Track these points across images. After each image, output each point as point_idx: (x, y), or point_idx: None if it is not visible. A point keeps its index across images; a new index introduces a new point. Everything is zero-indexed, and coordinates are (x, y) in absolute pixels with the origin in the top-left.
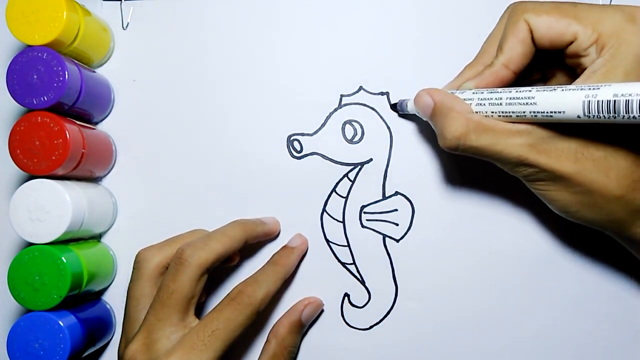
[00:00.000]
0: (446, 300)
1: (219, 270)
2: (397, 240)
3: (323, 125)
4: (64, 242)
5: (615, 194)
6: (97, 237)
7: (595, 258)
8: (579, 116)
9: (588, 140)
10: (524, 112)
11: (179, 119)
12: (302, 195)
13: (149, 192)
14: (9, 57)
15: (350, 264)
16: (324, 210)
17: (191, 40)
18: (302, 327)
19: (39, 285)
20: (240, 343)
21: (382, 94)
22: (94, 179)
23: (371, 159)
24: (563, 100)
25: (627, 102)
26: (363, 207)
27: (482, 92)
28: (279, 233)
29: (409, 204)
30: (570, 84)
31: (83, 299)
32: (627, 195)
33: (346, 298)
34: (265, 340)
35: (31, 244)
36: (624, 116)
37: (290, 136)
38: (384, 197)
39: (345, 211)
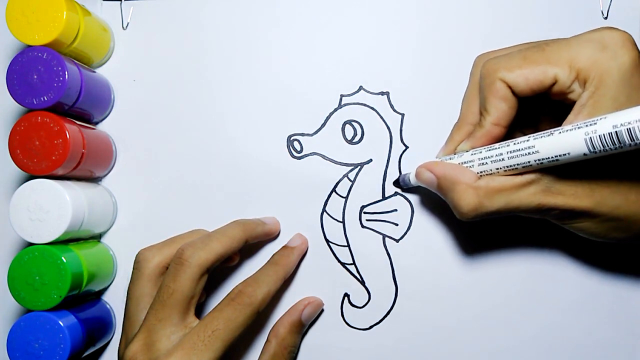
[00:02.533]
0: (446, 300)
1: (219, 270)
2: (397, 240)
3: (323, 125)
4: (64, 242)
5: (639, 213)
6: (97, 237)
7: (595, 258)
8: (585, 154)
9: (599, 170)
10: (529, 162)
11: (179, 119)
12: (302, 195)
13: (149, 192)
14: (9, 57)
15: (350, 264)
16: (324, 210)
17: (191, 40)
18: (302, 327)
19: (39, 285)
20: (240, 343)
21: (382, 93)
22: (94, 179)
23: (371, 159)
24: (564, 142)
25: (629, 130)
26: (363, 207)
27: (481, 152)
28: (279, 233)
29: (408, 204)
30: (560, 120)
31: (83, 299)
32: None
33: (346, 298)
34: (265, 340)
35: (31, 244)
36: (630, 144)
37: (290, 136)
38: (384, 197)
39: (345, 211)
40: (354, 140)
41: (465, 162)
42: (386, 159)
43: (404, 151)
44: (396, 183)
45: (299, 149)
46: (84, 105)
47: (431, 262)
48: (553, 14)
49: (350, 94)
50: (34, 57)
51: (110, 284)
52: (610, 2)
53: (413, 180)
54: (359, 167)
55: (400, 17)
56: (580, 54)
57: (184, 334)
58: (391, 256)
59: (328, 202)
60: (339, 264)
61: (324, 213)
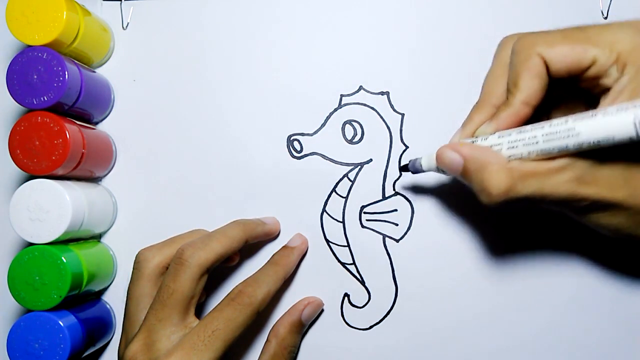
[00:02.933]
0: (446, 300)
1: (219, 270)
2: (397, 240)
3: (323, 125)
4: (64, 242)
5: None
6: (97, 237)
7: (595, 259)
8: (631, 138)
9: (633, 159)
10: (566, 146)
11: (179, 119)
12: (302, 195)
13: (149, 192)
14: (9, 57)
15: (350, 264)
16: (324, 210)
17: (191, 40)
18: (302, 327)
19: (39, 285)
20: (240, 343)
21: (382, 93)
22: (94, 179)
23: (371, 159)
24: (610, 125)
25: None
26: (363, 207)
27: (510, 134)
28: (279, 233)
29: (408, 204)
30: (583, 108)
31: (83, 299)
32: None
33: (346, 298)
34: (265, 339)
35: (31, 244)
36: None
37: (290, 136)
38: (384, 197)
39: (345, 211)
40: (354, 140)
41: (492, 146)
42: (386, 158)
43: (404, 151)
44: (404, 168)
45: (299, 148)
46: (84, 105)
47: (431, 262)
48: (553, 14)
49: (350, 94)
50: (34, 57)
51: (110, 284)
52: (610, 1)
53: (426, 165)
54: (359, 167)
55: (400, 17)
56: (622, 38)
57: (184, 334)
58: (391, 256)
59: (328, 202)
60: (339, 264)
61: (324, 213)
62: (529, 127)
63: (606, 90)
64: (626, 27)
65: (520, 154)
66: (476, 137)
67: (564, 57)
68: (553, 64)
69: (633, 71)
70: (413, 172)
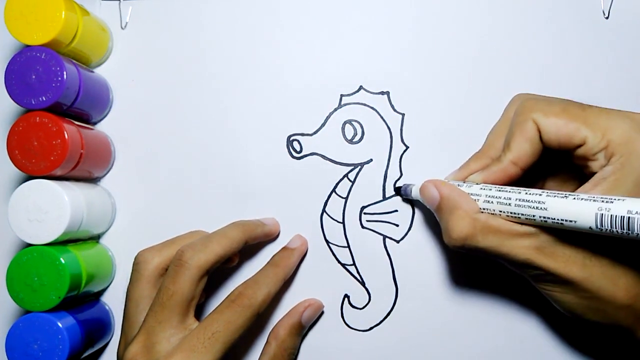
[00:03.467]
0: (446, 301)
1: (218, 271)
2: (398, 241)
3: (323, 125)
4: (63, 242)
5: (623, 302)
6: (96, 238)
7: None
8: (590, 228)
9: (596, 247)
10: (533, 216)
11: (178, 119)
12: (302, 195)
13: (148, 192)
14: (7, 57)
15: (350, 265)
16: (323, 210)
17: (190, 40)
18: (302, 329)
19: (37, 286)
20: (240, 345)
21: (382, 93)
22: (93, 180)
23: (371, 159)
24: (575, 209)
25: None
26: (363, 207)
27: (491, 189)
28: (278, 234)
29: (409, 204)
30: (575, 183)
31: (82, 300)
32: (635, 304)
33: (346, 299)
34: (265, 341)
35: (30, 245)
36: (638, 234)
37: (290, 136)
38: (384, 198)
39: (345, 212)
40: (354, 140)
41: (472, 194)
42: (386, 159)
43: (404, 151)
44: (397, 191)
45: (298, 149)
46: (82, 106)
47: (432, 263)
48: (554, 14)
49: (350, 94)
50: (32, 57)
51: (109, 285)
52: (612, 2)
53: (414, 193)
54: (359, 167)
55: (400, 17)
56: (616, 127)
57: (184, 336)
58: (391, 257)
59: (328, 203)
60: (339, 264)
61: (324, 213)
62: (509, 188)
63: (592, 173)
64: (625, 118)
65: (492, 210)
66: (465, 182)
67: (557, 129)
68: (545, 133)
69: (618, 164)
70: (403, 197)
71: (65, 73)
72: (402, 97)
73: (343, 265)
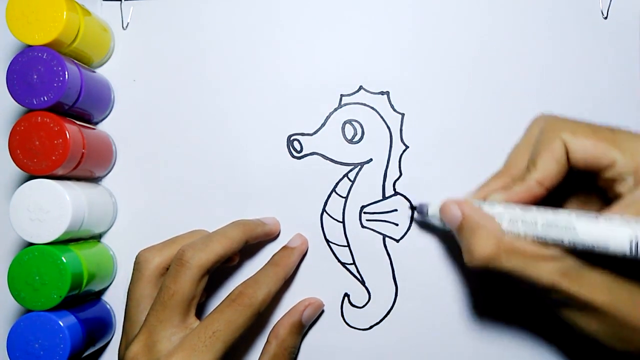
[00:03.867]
0: (446, 300)
1: (219, 271)
2: (397, 240)
3: (323, 125)
4: (64, 242)
5: None
6: (97, 237)
7: None
8: (624, 254)
9: (624, 271)
10: (561, 239)
11: (179, 119)
12: (302, 195)
13: (149, 192)
14: (9, 57)
15: (350, 264)
16: (323, 210)
17: (191, 40)
18: (302, 328)
19: (39, 285)
20: (240, 344)
21: (382, 93)
22: (94, 179)
23: (371, 159)
24: (608, 234)
25: None
26: (363, 207)
27: (515, 209)
28: (279, 233)
29: (408, 204)
30: (597, 205)
31: (83, 299)
32: None
33: (346, 298)
34: (265, 340)
35: (31, 244)
36: None
37: (290, 136)
38: (384, 197)
39: (345, 211)
40: (354, 140)
41: (495, 214)
42: (386, 158)
43: (404, 151)
44: (413, 209)
45: (299, 148)
46: (84, 105)
47: (431, 262)
48: (553, 14)
49: (350, 94)
50: (34, 57)
51: (110, 284)
52: (610, 2)
53: (432, 213)
54: (359, 166)
55: (400, 17)
56: None
57: (185, 335)
58: (391, 256)
59: (328, 202)
60: (339, 264)
61: (324, 213)
62: (534, 208)
63: (619, 196)
64: None
65: (517, 231)
66: (486, 201)
67: (586, 150)
68: (573, 153)
69: None
70: (420, 215)
71: (66, 73)
72: (402, 97)
73: (343, 264)
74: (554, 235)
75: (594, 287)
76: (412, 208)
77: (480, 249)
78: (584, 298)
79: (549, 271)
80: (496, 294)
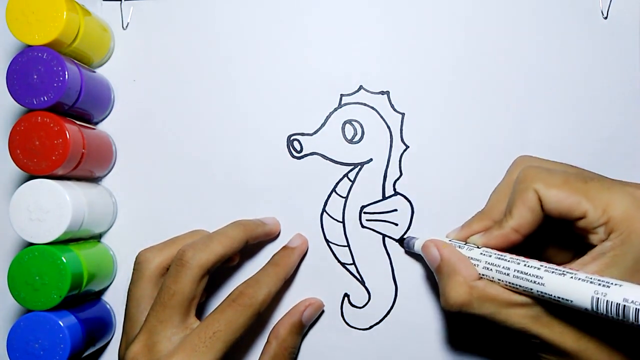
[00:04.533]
0: None
1: (219, 271)
2: (397, 240)
3: (323, 125)
4: (64, 242)
5: None
6: (97, 237)
7: None
8: (586, 309)
9: (592, 325)
10: (531, 289)
11: (179, 119)
12: (302, 195)
13: (149, 192)
14: (9, 57)
15: (350, 264)
16: (323, 210)
17: (191, 40)
18: (302, 328)
19: (39, 285)
20: (241, 344)
21: (382, 93)
22: (94, 179)
23: (371, 159)
24: (572, 289)
25: (637, 310)
26: (363, 207)
27: (491, 256)
28: (279, 233)
29: (408, 204)
30: (576, 248)
31: (83, 299)
32: None
33: (346, 298)
34: (265, 340)
35: (31, 244)
36: (632, 323)
37: (290, 136)
38: (384, 197)
39: (345, 211)
40: (354, 140)
41: (472, 258)
42: (386, 158)
43: (404, 151)
44: (400, 242)
45: (299, 148)
46: (84, 105)
47: None
48: (553, 14)
49: (350, 94)
50: (34, 57)
51: (110, 284)
52: (610, 2)
53: (417, 248)
54: (359, 166)
55: (400, 17)
56: (617, 203)
57: (185, 335)
58: (391, 256)
59: (328, 202)
60: (339, 264)
61: (324, 213)
62: (509, 256)
63: (591, 246)
64: (627, 195)
65: (491, 277)
66: (466, 243)
67: (558, 201)
68: (546, 203)
69: (618, 240)
70: (406, 249)
71: (66, 73)
72: (402, 97)
73: (343, 264)
74: (524, 285)
75: (564, 333)
76: (399, 241)
77: (455, 294)
78: (555, 342)
79: (521, 316)
80: None
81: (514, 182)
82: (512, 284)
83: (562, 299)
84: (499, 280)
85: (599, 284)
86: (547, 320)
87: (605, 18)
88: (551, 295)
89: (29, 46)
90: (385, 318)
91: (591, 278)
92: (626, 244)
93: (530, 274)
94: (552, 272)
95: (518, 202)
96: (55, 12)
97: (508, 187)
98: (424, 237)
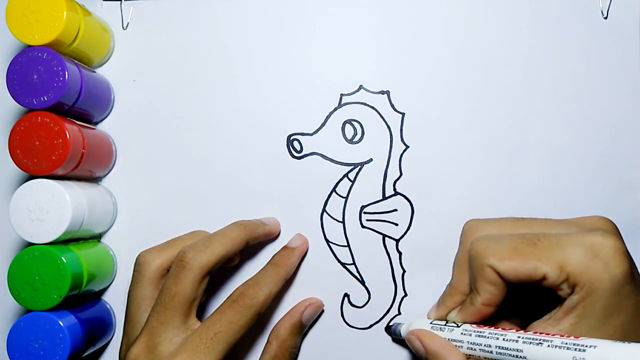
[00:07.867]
0: None
1: (219, 271)
2: (397, 240)
3: (323, 125)
4: (64, 242)
5: None
6: (97, 237)
7: None
8: None
9: None
10: None
11: (179, 119)
12: (302, 195)
13: (149, 192)
14: (9, 57)
15: (350, 264)
16: (324, 210)
17: (191, 40)
18: (302, 328)
19: (39, 285)
20: (241, 344)
21: (382, 93)
22: (94, 179)
23: (371, 159)
24: (552, 357)
25: None
26: (363, 207)
27: (471, 335)
28: (279, 233)
29: (408, 204)
30: (549, 302)
31: (83, 299)
32: None
33: (346, 298)
34: (266, 341)
35: (31, 244)
36: None
37: (290, 136)
38: (384, 197)
39: (345, 211)
40: (354, 140)
41: (454, 340)
42: (386, 158)
43: (404, 150)
44: (387, 330)
45: (299, 148)
46: (84, 105)
47: (431, 262)
48: (552, 14)
49: (350, 93)
50: (34, 57)
51: (110, 284)
52: (610, 2)
53: (403, 334)
54: (359, 166)
55: (400, 16)
56: (571, 258)
57: (186, 336)
58: (391, 256)
59: (328, 202)
60: (339, 264)
61: (324, 213)
62: (487, 332)
63: (562, 300)
64: (577, 247)
65: (477, 356)
66: (447, 321)
67: (515, 271)
68: (505, 275)
69: (583, 292)
70: (393, 336)
71: (66, 73)
72: (402, 97)
73: (343, 264)
74: (508, 359)
75: None
76: (386, 329)
77: None
78: None
79: None
80: None
81: (469, 256)
82: (498, 359)
83: None
84: (485, 359)
85: (575, 349)
86: None
87: (605, 18)
88: None
89: (29, 46)
90: (385, 317)
91: (567, 344)
92: (592, 294)
93: (510, 349)
94: (530, 342)
95: (479, 280)
96: (55, 12)
97: (465, 259)
98: (409, 322)
